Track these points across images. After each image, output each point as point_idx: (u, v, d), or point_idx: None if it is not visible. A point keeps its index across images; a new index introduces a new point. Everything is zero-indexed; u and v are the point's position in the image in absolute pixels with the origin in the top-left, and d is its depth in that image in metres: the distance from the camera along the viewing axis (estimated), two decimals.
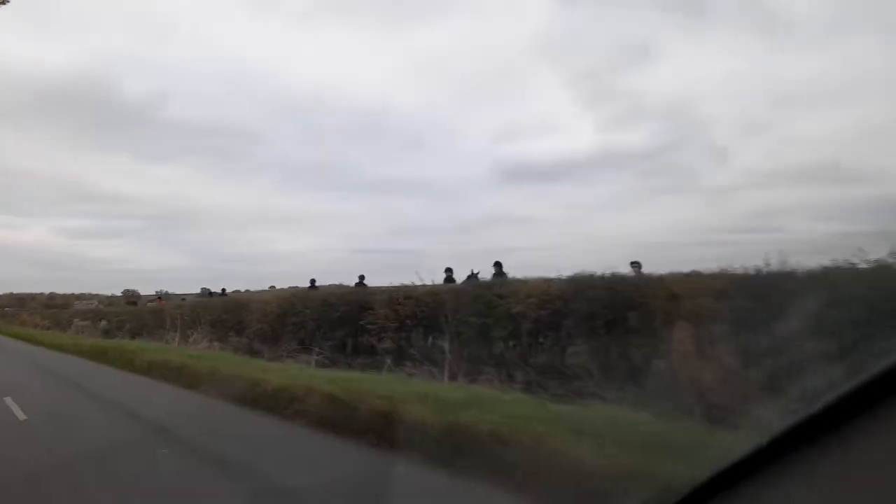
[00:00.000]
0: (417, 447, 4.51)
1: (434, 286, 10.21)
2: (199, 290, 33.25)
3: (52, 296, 76.75)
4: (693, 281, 6.26)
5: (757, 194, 53.60)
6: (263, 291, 18.15)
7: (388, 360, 9.02)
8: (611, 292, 6.89)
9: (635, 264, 9.99)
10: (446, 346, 8.36)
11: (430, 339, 10.11)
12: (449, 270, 12.81)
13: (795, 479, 0.96)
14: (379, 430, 5.09)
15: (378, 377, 7.47)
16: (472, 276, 12.45)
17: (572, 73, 77.74)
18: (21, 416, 7.09)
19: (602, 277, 7.14)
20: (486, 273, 12.33)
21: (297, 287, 18.64)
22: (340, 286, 15.27)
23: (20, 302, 70.75)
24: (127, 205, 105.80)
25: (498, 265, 12.31)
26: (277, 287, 21.41)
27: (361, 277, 14.56)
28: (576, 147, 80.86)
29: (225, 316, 15.77)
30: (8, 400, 8.29)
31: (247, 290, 25.43)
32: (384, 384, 6.59)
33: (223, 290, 24.38)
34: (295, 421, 6.11)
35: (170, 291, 42.24)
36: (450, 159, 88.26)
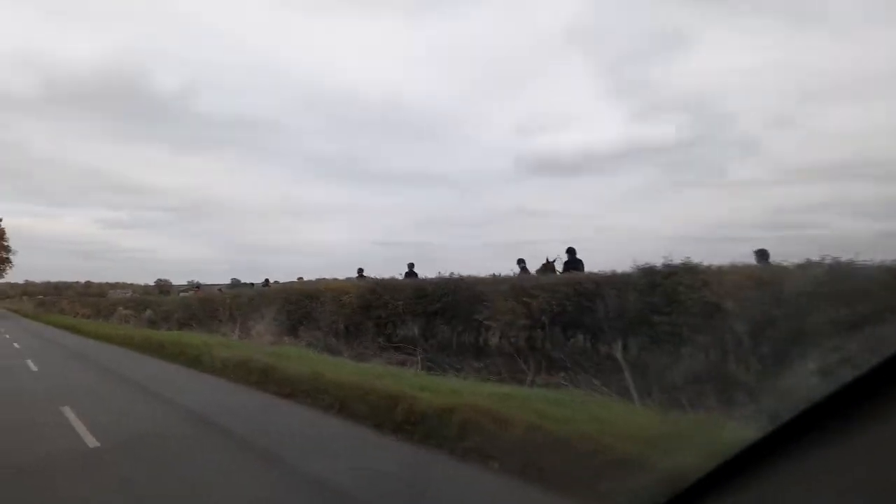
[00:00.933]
0: None
1: (579, 275, 8.31)
2: (229, 281, 31.95)
3: (88, 284, 77.48)
4: None
5: (789, 190, 50.73)
6: (333, 280, 16.41)
7: (531, 371, 7.10)
8: None
9: (761, 253, 7.94)
10: (618, 353, 6.40)
11: (572, 340, 8.20)
12: (521, 262, 11.33)
13: None
14: None
15: (550, 395, 5.54)
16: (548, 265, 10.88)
17: (599, 65, 75.25)
18: (90, 440, 5.20)
19: None
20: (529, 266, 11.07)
21: (324, 278, 17.10)
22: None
23: (57, 290, 71.45)
24: (159, 196, 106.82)
25: (571, 251, 10.56)
26: (305, 279, 19.70)
27: (411, 266, 13.18)
28: (601, 140, 78.70)
29: (290, 307, 14.11)
30: (67, 411, 6.51)
31: (275, 282, 23.63)
32: (585, 410, 4.66)
33: (266, 280, 22.76)
34: (486, 468, 4.23)
35: (200, 282, 41.26)
36: (473, 152, 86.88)
